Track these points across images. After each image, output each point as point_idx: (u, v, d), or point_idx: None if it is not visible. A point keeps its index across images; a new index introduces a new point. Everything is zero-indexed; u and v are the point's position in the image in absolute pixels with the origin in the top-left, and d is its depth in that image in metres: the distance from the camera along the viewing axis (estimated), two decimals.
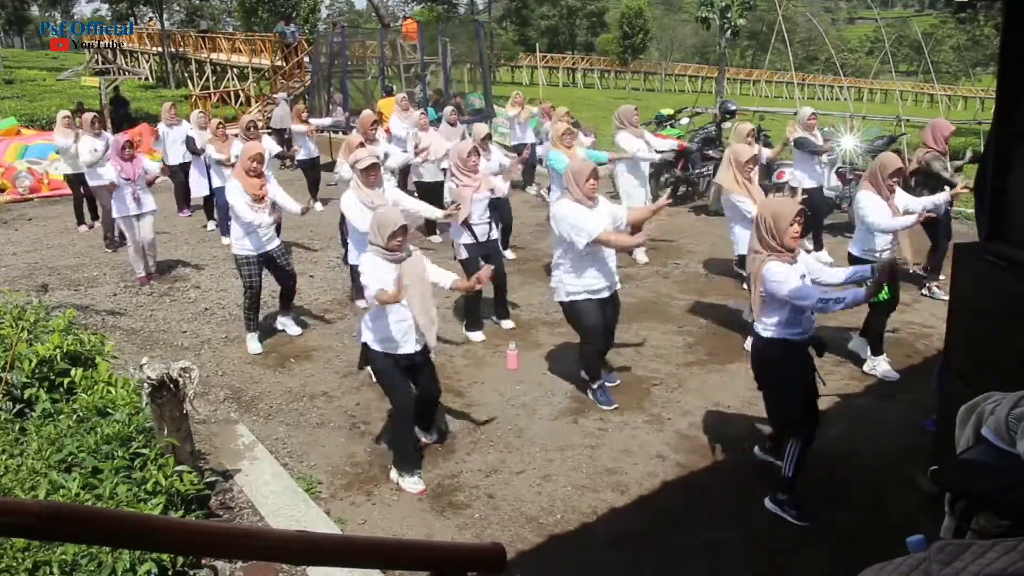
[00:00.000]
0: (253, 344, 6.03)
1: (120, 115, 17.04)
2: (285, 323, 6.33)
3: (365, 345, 4.16)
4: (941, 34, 52.71)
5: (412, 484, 4.15)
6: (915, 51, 48.55)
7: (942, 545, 1.15)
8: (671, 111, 12.71)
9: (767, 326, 3.74)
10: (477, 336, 6.14)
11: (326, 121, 12.81)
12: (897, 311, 6.45)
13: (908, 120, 13.59)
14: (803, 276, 3.68)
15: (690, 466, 4.34)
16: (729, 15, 26.08)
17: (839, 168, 9.28)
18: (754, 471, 4.26)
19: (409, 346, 4.08)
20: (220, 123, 8.94)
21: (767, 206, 3.78)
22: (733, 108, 11.02)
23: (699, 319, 6.49)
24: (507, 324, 6.37)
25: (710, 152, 10.56)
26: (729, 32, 26.70)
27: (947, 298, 7.03)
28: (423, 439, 4.52)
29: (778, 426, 4.07)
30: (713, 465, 4.34)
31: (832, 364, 5.62)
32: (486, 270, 4.33)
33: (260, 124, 9.07)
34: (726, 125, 10.79)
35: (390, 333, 4.02)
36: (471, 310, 6.21)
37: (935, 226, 6.38)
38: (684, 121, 12.39)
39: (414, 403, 4.21)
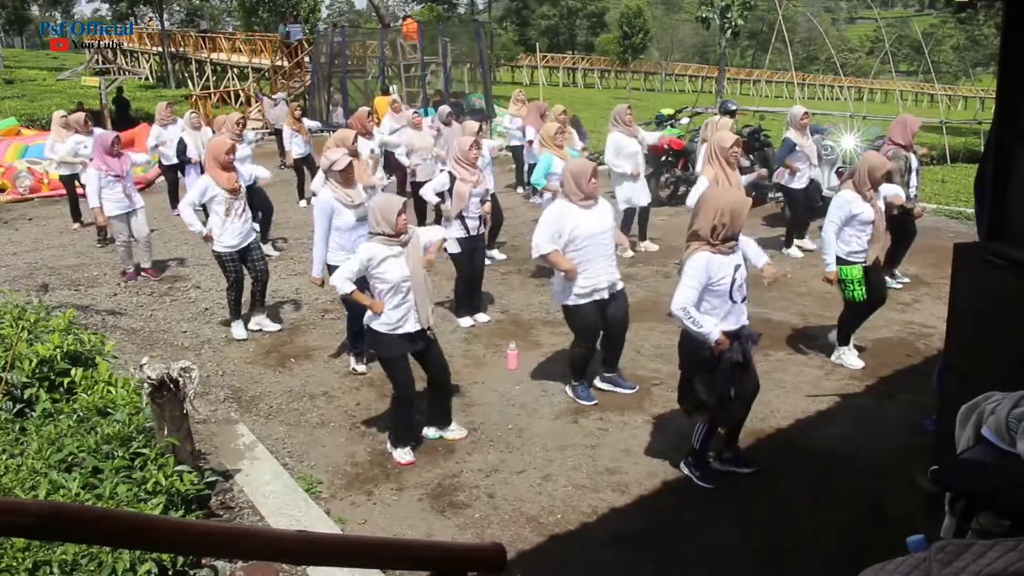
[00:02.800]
0: (239, 330, 6.20)
1: (122, 116, 17.06)
2: (261, 322, 6.35)
3: (370, 330, 4.31)
4: (941, 34, 52.74)
5: (402, 454, 4.38)
6: (915, 51, 48.57)
7: (942, 545, 1.15)
8: (671, 111, 12.71)
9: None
10: (467, 322, 6.41)
11: (314, 124, 12.69)
12: (897, 311, 6.47)
13: None
14: (738, 267, 3.79)
15: None
16: (729, 15, 26.11)
17: (839, 168, 9.28)
18: (754, 471, 4.26)
19: (410, 325, 4.22)
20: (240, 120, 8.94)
21: (725, 201, 3.77)
22: (733, 108, 11.00)
23: None
24: (482, 318, 6.50)
25: None
26: (729, 32, 26.73)
27: (907, 281, 7.17)
28: (449, 436, 4.59)
29: (685, 406, 4.14)
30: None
31: (832, 364, 5.62)
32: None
33: (250, 121, 9.12)
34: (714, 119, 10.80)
35: (393, 314, 4.19)
36: (461, 300, 6.45)
37: (900, 223, 6.48)
38: (684, 121, 12.39)
39: (414, 393, 4.41)
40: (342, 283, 4.20)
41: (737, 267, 3.80)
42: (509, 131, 11.53)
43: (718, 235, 3.72)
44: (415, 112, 9.22)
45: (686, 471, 4.18)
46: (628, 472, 4.27)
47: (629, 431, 4.73)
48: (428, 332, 4.34)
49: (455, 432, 4.61)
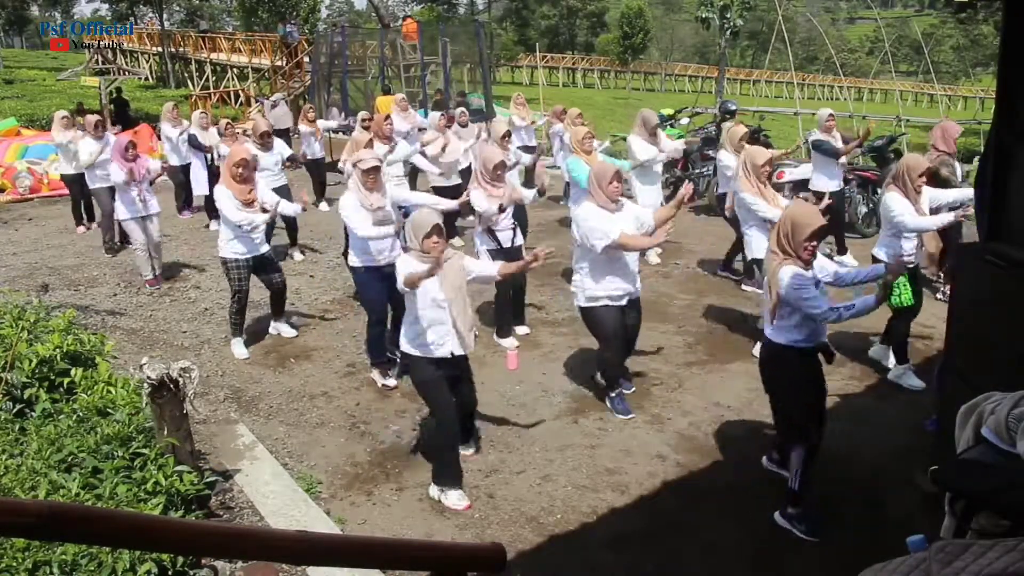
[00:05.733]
0: (239, 349, 5.95)
1: (120, 116, 17.05)
2: (279, 327, 6.29)
3: (404, 353, 4.07)
4: (941, 34, 52.81)
5: (457, 500, 3.99)
6: (915, 51, 48.60)
7: (942, 545, 1.15)
8: (671, 111, 12.73)
9: (779, 331, 3.65)
10: (510, 342, 6.00)
11: (332, 123, 12.75)
12: None
13: (908, 120, 13.62)
14: (817, 283, 3.59)
15: (690, 466, 4.34)
16: (729, 15, 26.13)
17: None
18: (754, 471, 4.26)
19: (446, 349, 3.94)
20: (228, 123, 8.92)
21: (791, 212, 3.68)
22: (733, 108, 11.02)
23: (699, 319, 6.49)
24: (522, 330, 6.24)
25: (710, 152, 10.56)
26: (729, 32, 26.75)
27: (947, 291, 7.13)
28: (462, 451, 4.39)
29: (783, 433, 3.96)
30: (713, 465, 4.34)
31: (832, 364, 5.61)
32: (541, 250, 3.98)
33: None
34: (726, 125, 10.80)
35: (427, 336, 3.92)
36: (502, 315, 6.07)
37: (948, 229, 6.42)
38: (684, 121, 12.42)
39: (458, 420, 4.12)
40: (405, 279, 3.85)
41: (816, 283, 3.59)
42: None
43: (782, 246, 3.57)
44: (442, 115, 9.17)
45: (785, 524, 3.76)
46: (628, 472, 4.27)
47: (629, 431, 4.73)
48: (468, 367, 4.14)
49: (464, 448, 4.39)
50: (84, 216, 9.82)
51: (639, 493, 4.10)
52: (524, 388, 5.30)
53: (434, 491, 4.08)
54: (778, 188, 8.96)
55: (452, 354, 3.96)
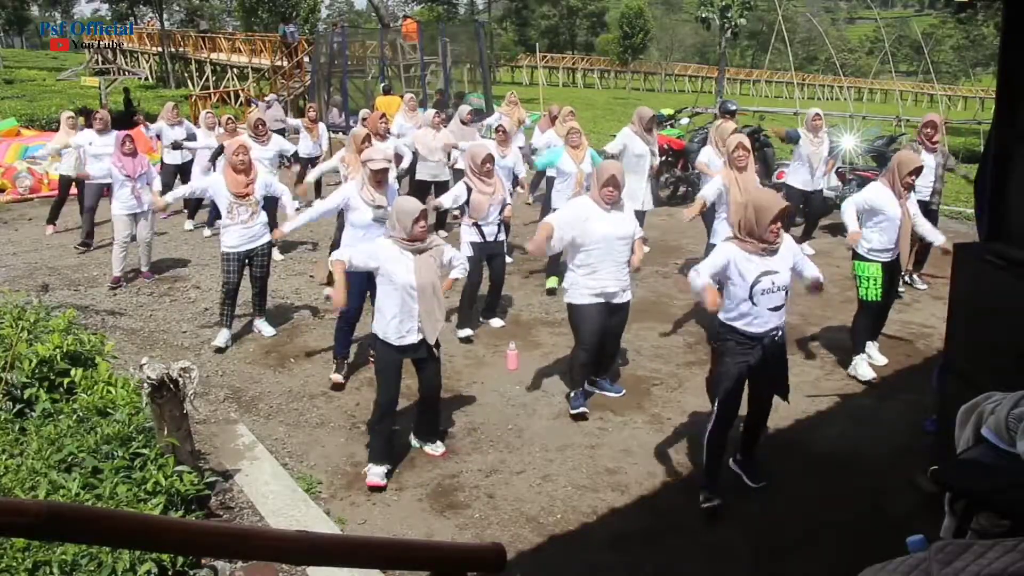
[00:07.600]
0: (221, 338, 6.03)
1: (123, 116, 17.04)
2: (260, 325, 6.32)
3: (374, 335, 4.27)
4: (941, 34, 52.80)
5: (376, 475, 4.16)
6: (915, 51, 48.59)
7: (942, 545, 1.15)
8: (671, 111, 12.72)
9: (724, 307, 3.87)
10: (465, 332, 6.11)
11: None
12: (897, 311, 6.47)
13: (908, 120, 13.59)
14: (769, 273, 3.70)
15: (690, 466, 4.34)
16: (729, 15, 26.14)
17: (839, 168, 9.28)
18: None
19: (410, 339, 4.12)
20: (230, 119, 8.91)
21: (753, 197, 3.83)
22: (733, 108, 10.99)
23: (699, 319, 6.49)
24: (496, 323, 6.43)
25: None
26: (729, 32, 26.76)
27: (926, 287, 7.21)
28: (427, 450, 4.48)
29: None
30: None
31: (832, 364, 5.62)
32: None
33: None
34: (716, 122, 10.81)
35: (393, 323, 4.10)
36: (464, 307, 6.18)
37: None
38: (684, 121, 12.41)
39: (395, 408, 4.30)
40: (339, 256, 4.20)
41: (767, 272, 3.68)
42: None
43: (742, 229, 3.74)
44: (437, 113, 9.21)
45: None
46: (628, 472, 4.27)
47: (629, 431, 4.73)
48: (434, 350, 4.24)
49: (434, 448, 4.48)
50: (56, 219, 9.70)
51: (639, 493, 4.10)
52: (524, 388, 5.30)
53: (367, 462, 4.27)
54: (778, 189, 8.99)
55: (415, 342, 4.14)
